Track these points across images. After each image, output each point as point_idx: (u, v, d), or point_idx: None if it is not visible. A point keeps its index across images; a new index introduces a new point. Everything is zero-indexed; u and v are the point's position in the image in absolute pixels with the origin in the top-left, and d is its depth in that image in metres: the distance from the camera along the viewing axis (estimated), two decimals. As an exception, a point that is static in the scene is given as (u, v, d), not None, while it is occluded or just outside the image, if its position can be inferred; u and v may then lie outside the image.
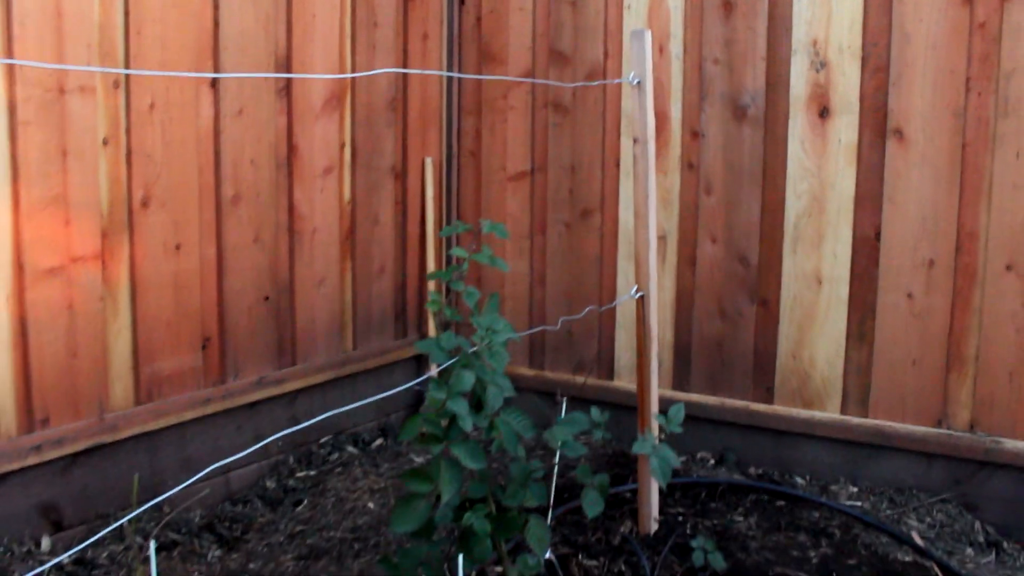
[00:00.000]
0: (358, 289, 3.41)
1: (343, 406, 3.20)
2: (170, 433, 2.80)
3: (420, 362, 3.71)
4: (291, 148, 3.08)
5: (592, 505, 2.20)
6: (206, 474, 2.36)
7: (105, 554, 2.48)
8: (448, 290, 3.76)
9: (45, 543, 2.48)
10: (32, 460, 2.44)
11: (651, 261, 2.61)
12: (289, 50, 3.03)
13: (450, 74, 3.67)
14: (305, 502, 2.92)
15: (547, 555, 2.40)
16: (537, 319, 3.62)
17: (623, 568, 2.49)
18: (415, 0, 3.52)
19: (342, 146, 3.28)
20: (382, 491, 2.96)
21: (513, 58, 3.59)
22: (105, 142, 2.54)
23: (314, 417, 3.18)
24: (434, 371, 3.64)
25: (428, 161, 3.62)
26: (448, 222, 3.75)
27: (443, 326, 2.19)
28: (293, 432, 3.10)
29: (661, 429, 2.55)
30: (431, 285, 3.65)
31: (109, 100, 2.54)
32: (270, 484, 3.02)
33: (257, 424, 3.07)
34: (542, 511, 2.55)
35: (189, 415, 2.83)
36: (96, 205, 2.54)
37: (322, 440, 3.31)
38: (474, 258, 2.03)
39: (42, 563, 2.39)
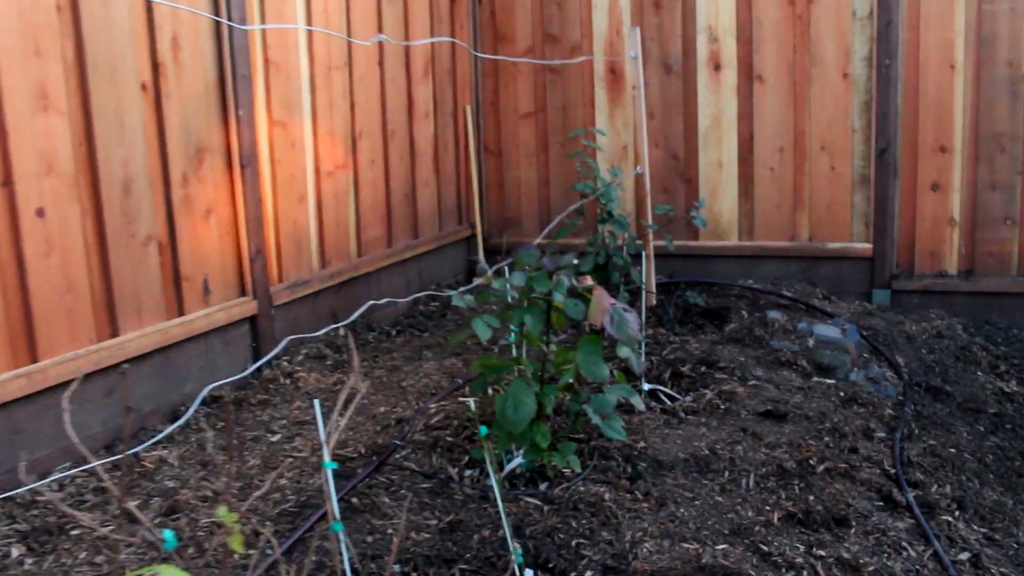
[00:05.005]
0: (440, 191, 5.31)
1: (441, 267, 5.13)
2: (373, 276, 4.63)
3: (469, 241, 5.64)
4: (410, 101, 4.93)
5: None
6: (390, 301, 4.27)
7: (370, 335, 4.33)
8: (480, 191, 5.71)
9: (341, 330, 4.29)
10: (327, 284, 4.24)
11: (644, 151, 4.71)
12: (407, 35, 4.86)
13: (478, 55, 5.59)
14: (448, 315, 4.84)
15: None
16: (543, 208, 5.65)
17: (647, 313, 4.62)
18: (457, 1, 5.41)
19: (429, 99, 5.15)
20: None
21: (519, 39, 5.57)
22: (343, 97, 4.33)
23: (430, 272, 5.10)
24: (480, 253, 5.59)
25: (467, 108, 5.55)
26: (479, 149, 5.68)
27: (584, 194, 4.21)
28: (421, 281, 4.99)
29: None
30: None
31: (344, 73, 4.32)
32: (420, 308, 4.91)
33: (406, 275, 4.93)
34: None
35: (380, 265, 4.67)
36: (343, 135, 4.33)
37: (432, 286, 5.20)
38: (579, 138, 4.07)
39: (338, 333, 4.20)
